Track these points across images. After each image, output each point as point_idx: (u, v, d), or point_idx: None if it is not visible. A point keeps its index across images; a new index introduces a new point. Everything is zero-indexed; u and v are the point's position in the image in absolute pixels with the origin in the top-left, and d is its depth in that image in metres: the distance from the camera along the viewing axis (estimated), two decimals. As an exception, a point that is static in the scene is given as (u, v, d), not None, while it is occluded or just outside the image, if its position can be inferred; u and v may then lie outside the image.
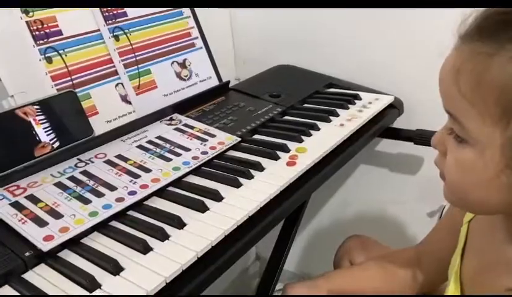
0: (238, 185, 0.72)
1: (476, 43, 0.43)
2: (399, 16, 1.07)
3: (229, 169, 0.77)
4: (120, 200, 0.67)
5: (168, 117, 0.92)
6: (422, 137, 1.03)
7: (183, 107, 0.96)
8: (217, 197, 0.69)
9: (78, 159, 0.77)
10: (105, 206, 0.65)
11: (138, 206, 0.68)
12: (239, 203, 0.68)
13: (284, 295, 0.76)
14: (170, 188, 0.73)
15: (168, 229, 0.62)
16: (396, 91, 1.10)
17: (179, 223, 0.63)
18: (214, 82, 1.06)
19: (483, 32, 0.43)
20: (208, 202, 0.68)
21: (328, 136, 0.87)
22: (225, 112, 0.97)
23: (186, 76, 1.00)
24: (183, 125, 0.90)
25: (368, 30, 1.13)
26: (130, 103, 0.89)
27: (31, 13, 0.78)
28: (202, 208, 0.66)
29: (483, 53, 0.42)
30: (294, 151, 0.82)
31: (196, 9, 1.05)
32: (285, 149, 0.83)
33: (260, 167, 0.77)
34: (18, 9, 0.77)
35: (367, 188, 1.30)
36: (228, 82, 1.08)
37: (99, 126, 0.83)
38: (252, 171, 0.76)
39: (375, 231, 1.28)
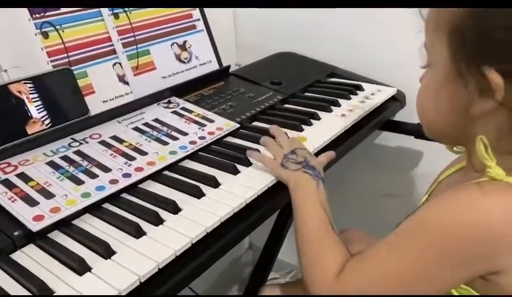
0: (235, 172, 0.71)
1: None
2: (406, 8, 1.04)
3: (227, 156, 0.75)
4: (114, 182, 0.65)
5: (166, 100, 0.90)
6: (422, 132, 1.01)
7: (181, 90, 0.94)
8: (214, 183, 0.67)
9: (72, 138, 0.75)
10: (98, 188, 0.64)
11: (132, 189, 0.66)
12: (236, 190, 0.66)
13: None
14: (166, 172, 0.71)
15: (162, 213, 0.60)
16: (398, 84, 1.09)
17: (174, 208, 0.61)
18: (215, 66, 1.03)
19: None
20: (204, 187, 0.66)
21: (328, 126, 0.86)
22: (224, 98, 0.95)
23: (186, 59, 0.98)
24: (181, 108, 0.88)
25: (373, 20, 1.11)
26: (127, 83, 0.87)
27: (27, -14, 0.75)
28: (198, 194, 0.65)
29: None
30: (293, 140, 0.81)
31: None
32: (285, 137, 0.81)
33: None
34: (15, -20, 0.74)
35: (365, 180, 1.29)
36: (228, 67, 1.05)
37: (95, 106, 0.81)
38: (251, 159, 0.74)
39: (371, 222, 1.26)
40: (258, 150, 0.76)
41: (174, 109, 0.87)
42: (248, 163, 0.73)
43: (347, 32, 1.16)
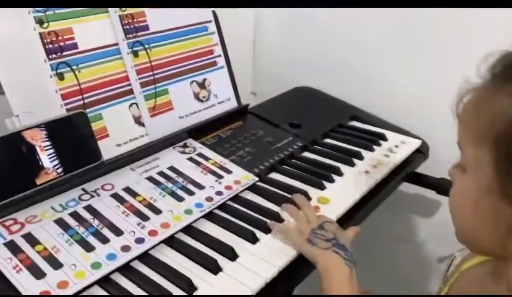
0: (254, 240, 0.66)
1: (484, 83, 0.50)
2: (442, 51, 1.00)
3: (245, 218, 0.71)
4: (126, 249, 0.61)
5: (182, 144, 0.86)
6: (446, 188, 0.96)
7: (198, 131, 0.89)
8: (231, 254, 0.63)
9: (83, 189, 0.71)
10: (109, 257, 0.59)
11: (145, 256, 0.62)
12: (255, 266, 0.62)
13: None
14: (180, 235, 0.67)
15: (176, 291, 0.56)
16: (422, 132, 1.04)
17: (189, 287, 0.57)
18: (233, 104, 0.99)
19: (492, 76, 0.49)
20: (221, 259, 0.62)
21: (352, 185, 0.81)
22: (242, 142, 0.90)
23: (204, 97, 0.93)
24: (197, 154, 0.84)
25: (402, 60, 1.07)
26: (143, 125, 0.83)
27: (45, 24, 0.71)
28: (215, 269, 0.60)
29: (486, 89, 0.49)
30: (315, 201, 0.76)
31: (219, 17, 0.98)
32: (306, 197, 0.76)
33: (278, 218, 0.71)
34: (32, 19, 0.69)
35: (379, 223, 1.24)
36: (247, 106, 1.01)
37: (109, 150, 0.77)
38: (269, 222, 0.70)
39: (383, 267, 1.23)
40: (278, 214, 0.72)
41: (190, 155, 0.83)
42: (267, 230, 0.69)
43: (374, 68, 1.12)
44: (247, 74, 1.33)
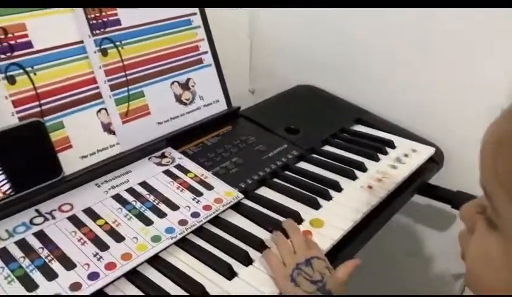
0: (231, 275, 0.56)
1: None
2: (457, 47, 0.87)
3: (223, 245, 0.61)
4: (75, 287, 0.52)
5: (159, 153, 0.76)
6: (463, 202, 0.85)
7: (179, 139, 0.79)
8: (201, 293, 0.53)
9: (36, 211, 0.61)
10: (53, 298, 0.50)
11: (99, 294, 0.53)
12: (228, 309, 0.52)
13: None
14: (143, 267, 0.57)
15: (129, 344, 0.47)
16: (436, 138, 0.93)
17: (145, 338, 0.48)
18: (222, 107, 0.89)
19: None
20: (188, 300, 0.52)
21: (351, 203, 0.70)
22: (229, 151, 0.80)
23: (188, 99, 0.83)
24: (175, 166, 0.74)
25: (413, 56, 0.94)
26: (113, 133, 0.73)
27: (-8, 20, 0.61)
28: (179, 314, 0.51)
29: None
30: (307, 224, 0.66)
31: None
32: (297, 218, 0.66)
33: (262, 246, 0.61)
34: (-25, 15, 0.60)
35: (390, 236, 1.13)
36: (238, 108, 0.90)
37: (72, 163, 0.67)
38: (251, 252, 0.60)
39: (395, 281, 1.12)
40: (262, 241, 0.61)
41: (166, 168, 0.73)
42: (246, 262, 0.58)
43: (383, 66, 1.00)
44: (244, 71, 1.23)
